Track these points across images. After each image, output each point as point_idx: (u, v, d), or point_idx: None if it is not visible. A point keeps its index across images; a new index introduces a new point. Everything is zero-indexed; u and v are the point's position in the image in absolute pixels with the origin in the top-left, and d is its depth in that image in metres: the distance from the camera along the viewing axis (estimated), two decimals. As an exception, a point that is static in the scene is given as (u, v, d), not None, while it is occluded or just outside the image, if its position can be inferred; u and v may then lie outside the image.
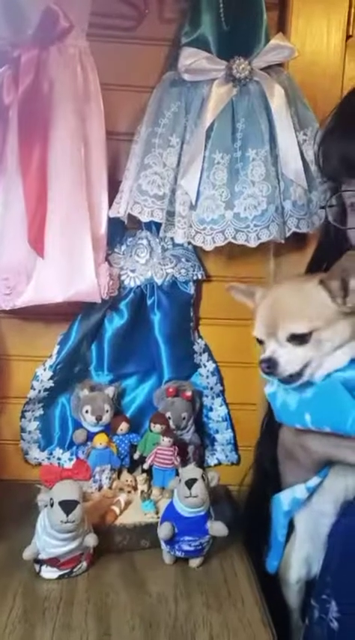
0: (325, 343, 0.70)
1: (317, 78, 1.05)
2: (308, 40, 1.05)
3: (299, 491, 0.78)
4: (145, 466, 1.03)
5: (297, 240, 1.06)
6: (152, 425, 1.05)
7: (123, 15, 1.05)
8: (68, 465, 1.09)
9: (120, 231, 1.08)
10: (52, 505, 0.79)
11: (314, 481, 0.77)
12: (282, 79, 1.01)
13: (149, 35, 1.06)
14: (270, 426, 0.86)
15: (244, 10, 0.99)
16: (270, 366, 0.70)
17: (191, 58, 0.97)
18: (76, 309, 1.09)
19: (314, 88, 1.04)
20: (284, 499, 0.80)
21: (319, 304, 0.71)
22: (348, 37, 1.06)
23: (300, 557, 0.82)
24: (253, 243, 0.99)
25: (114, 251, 1.09)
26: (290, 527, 0.82)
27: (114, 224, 1.05)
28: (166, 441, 1.01)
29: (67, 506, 0.78)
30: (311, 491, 0.78)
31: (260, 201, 0.98)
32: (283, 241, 1.02)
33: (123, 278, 1.09)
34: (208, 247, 1.01)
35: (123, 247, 1.10)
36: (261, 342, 0.74)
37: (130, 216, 1.02)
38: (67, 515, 0.78)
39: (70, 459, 1.11)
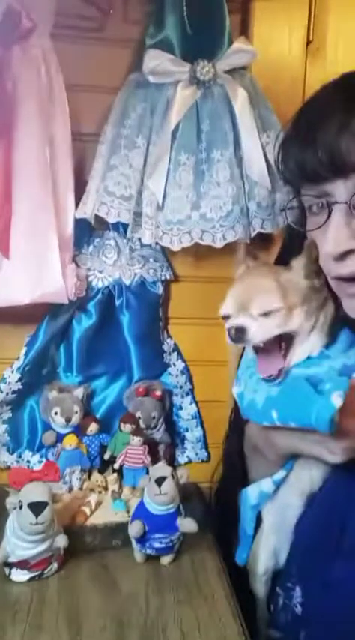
0: (293, 321, 0.72)
1: (279, 81, 1.07)
2: (270, 44, 1.07)
3: (265, 484, 0.80)
4: (116, 466, 1.03)
5: (263, 240, 1.08)
6: (122, 425, 1.06)
7: (87, 16, 1.05)
8: (38, 467, 1.08)
9: (87, 231, 1.08)
10: (21, 507, 0.79)
11: (280, 474, 0.79)
12: (246, 82, 1.02)
13: (114, 36, 1.06)
14: (237, 422, 0.87)
15: (207, 13, 1.00)
16: (239, 331, 0.71)
17: (155, 60, 0.98)
18: (44, 310, 1.09)
19: (276, 91, 1.06)
20: (251, 493, 0.82)
21: (293, 284, 0.73)
22: (308, 42, 1.08)
23: (268, 549, 0.83)
24: (219, 244, 1.01)
25: (81, 252, 1.09)
26: (259, 520, 0.84)
27: (81, 225, 1.05)
28: (136, 440, 1.01)
29: (36, 508, 0.78)
30: (278, 485, 0.80)
31: (225, 202, 0.99)
32: (249, 241, 1.03)
33: (90, 279, 1.09)
34: (175, 248, 1.02)
35: (91, 248, 1.10)
36: (227, 318, 0.75)
37: (97, 217, 1.03)
38: (37, 517, 0.78)
39: (40, 462, 1.10)
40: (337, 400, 0.65)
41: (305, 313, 0.73)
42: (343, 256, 0.66)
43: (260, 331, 0.71)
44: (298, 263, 0.74)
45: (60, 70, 0.98)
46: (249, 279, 0.77)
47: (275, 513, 0.83)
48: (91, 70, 1.06)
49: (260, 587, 0.85)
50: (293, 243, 0.85)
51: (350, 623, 0.68)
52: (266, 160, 1.00)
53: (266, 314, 0.71)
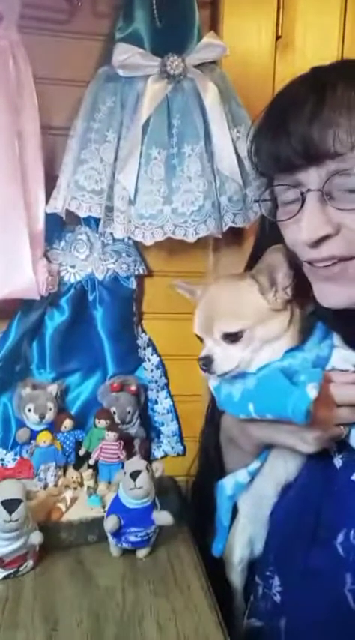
0: (258, 341, 0.72)
1: (249, 76, 1.08)
2: (240, 39, 1.08)
3: (241, 475, 0.81)
4: (91, 462, 1.03)
5: (235, 235, 1.09)
6: (97, 421, 1.06)
7: (56, 8, 1.04)
8: (12, 465, 1.07)
9: (58, 227, 1.07)
10: (-6, 505, 0.78)
11: (255, 465, 0.79)
12: (216, 76, 1.03)
13: (83, 29, 1.05)
14: (213, 415, 0.88)
15: (176, 7, 1.00)
16: (206, 364, 0.73)
17: (125, 54, 0.97)
18: (15, 306, 1.07)
19: (246, 86, 1.06)
20: (227, 484, 0.82)
21: (251, 302, 0.72)
22: (278, 37, 1.09)
23: (243, 539, 0.84)
24: (191, 238, 1.01)
25: (53, 247, 1.08)
26: (234, 511, 0.85)
27: (52, 220, 1.04)
28: (111, 435, 1.01)
29: (10, 505, 0.78)
30: (253, 475, 0.80)
31: (197, 197, 1.00)
32: (220, 236, 1.04)
33: (62, 274, 1.08)
34: (148, 242, 1.02)
35: (63, 243, 1.09)
36: (200, 338, 0.76)
37: (69, 212, 1.02)
38: (10, 515, 0.77)
39: (14, 459, 1.09)
40: (312, 392, 0.66)
41: (271, 326, 0.72)
42: (318, 242, 0.67)
43: (221, 362, 0.72)
44: (251, 283, 0.73)
45: (28, 62, 0.97)
46: (210, 298, 0.75)
47: (250, 504, 0.83)
48: (61, 63, 1.05)
49: (236, 578, 0.86)
50: (266, 238, 0.85)
51: (329, 609, 0.69)
52: (238, 155, 1.01)
53: (227, 336, 0.72)
